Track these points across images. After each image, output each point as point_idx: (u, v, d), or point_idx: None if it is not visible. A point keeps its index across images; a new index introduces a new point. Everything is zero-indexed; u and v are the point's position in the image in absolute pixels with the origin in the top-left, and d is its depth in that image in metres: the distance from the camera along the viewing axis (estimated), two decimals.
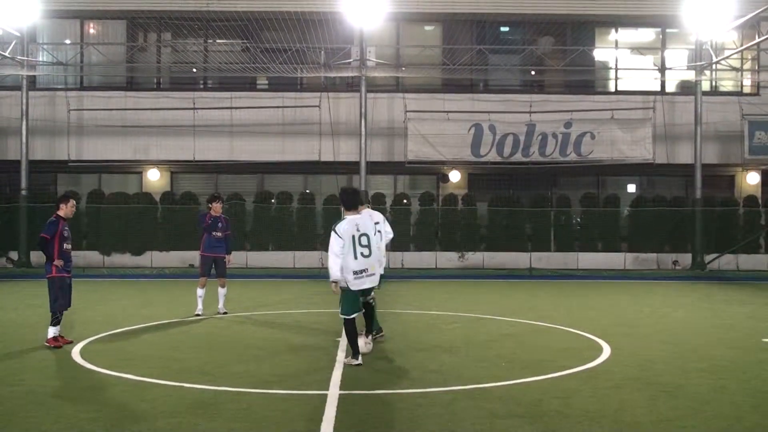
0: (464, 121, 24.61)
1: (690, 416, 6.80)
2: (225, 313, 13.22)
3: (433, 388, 7.76)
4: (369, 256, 8.95)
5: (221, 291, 13.36)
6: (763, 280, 21.17)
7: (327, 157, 24.63)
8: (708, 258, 23.64)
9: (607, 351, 9.82)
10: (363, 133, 23.45)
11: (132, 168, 25.72)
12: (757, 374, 8.55)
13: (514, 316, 13.22)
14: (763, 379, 8.33)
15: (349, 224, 8.90)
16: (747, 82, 26.54)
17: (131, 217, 24.07)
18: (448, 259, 24.15)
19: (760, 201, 25.05)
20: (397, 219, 24.46)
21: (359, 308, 9.12)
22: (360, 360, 8.79)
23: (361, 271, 8.89)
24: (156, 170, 25.57)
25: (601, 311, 14.47)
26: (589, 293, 17.97)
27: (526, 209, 24.48)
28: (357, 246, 8.84)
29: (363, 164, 23.41)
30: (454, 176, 25.70)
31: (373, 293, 9.71)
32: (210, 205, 13.40)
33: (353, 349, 8.89)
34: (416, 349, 9.99)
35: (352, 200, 9.20)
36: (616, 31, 26.54)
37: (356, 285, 8.90)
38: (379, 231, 9.78)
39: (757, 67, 25.75)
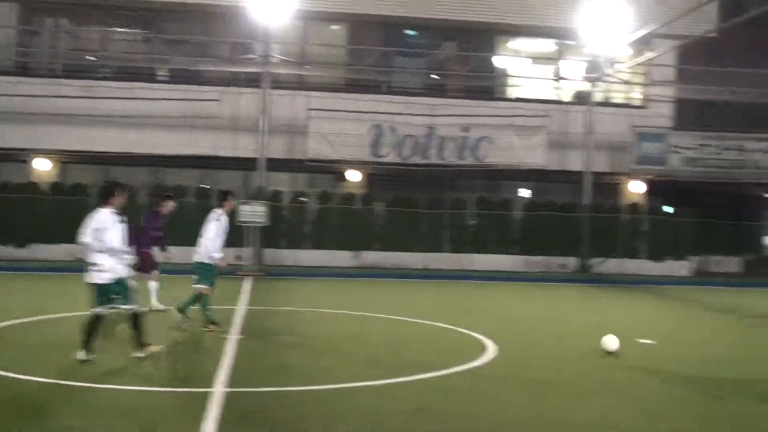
0: (366, 122, 24.79)
1: (568, 412, 7.13)
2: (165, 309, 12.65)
3: (321, 385, 7.85)
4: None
5: (154, 285, 13.07)
6: (643, 284, 22.18)
7: (226, 152, 24.36)
8: (593, 262, 24.54)
9: (492, 350, 10.14)
10: (263, 129, 23.34)
11: (20, 156, 24.70)
12: (627, 373, 9.01)
13: (406, 315, 13.45)
14: (633, 376, 8.79)
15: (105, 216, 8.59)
16: (637, 95, 27.76)
17: (16, 208, 23.12)
18: (344, 257, 24.26)
19: (643, 209, 26.27)
20: (294, 217, 24.49)
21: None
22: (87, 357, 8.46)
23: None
24: (45, 159, 24.67)
25: (490, 311, 14.91)
26: (480, 294, 18.45)
27: (423, 210, 24.85)
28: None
29: (262, 161, 23.30)
30: (354, 176, 25.86)
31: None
32: (164, 204, 13.04)
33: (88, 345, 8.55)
34: (306, 347, 10.07)
35: (105, 194, 8.77)
36: (516, 40, 27.29)
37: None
38: None
39: (646, 82, 26.93)
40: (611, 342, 10.16)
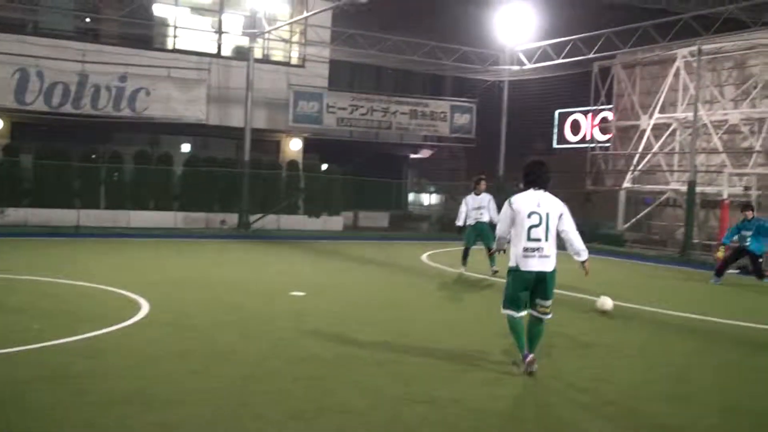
0: (9, 65, 22.60)
1: (220, 363, 7.25)
2: None
3: None
4: None
5: None
6: (301, 239, 23.19)
7: None
8: (253, 218, 24.97)
9: (146, 308, 9.95)
10: None
11: None
12: (280, 324, 9.41)
13: (55, 276, 12.63)
14: (283, 328, 9.20)
15: None
16: (295, 54, 28.60)
17: None
18: None
19: (300, 166, 27.33)
20: None
21: None
22: None
23: None
24: None
25: (147, 270, 14.58)
26: (137, 252, 17.93)
27: (76, 164, 23.36)
28: None
29: None
30: None
31: None
32: None
33: None
34: None
35: None
36: None
37: None
38: None
39: (303, 41, 27.82)
40: (605, 303, 10.95)
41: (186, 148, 27.84)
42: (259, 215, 24.84)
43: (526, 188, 7.42)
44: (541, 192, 7.34)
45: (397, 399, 6.42)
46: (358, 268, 16.86)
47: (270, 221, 25.11)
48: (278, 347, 8.15)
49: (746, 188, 20.91)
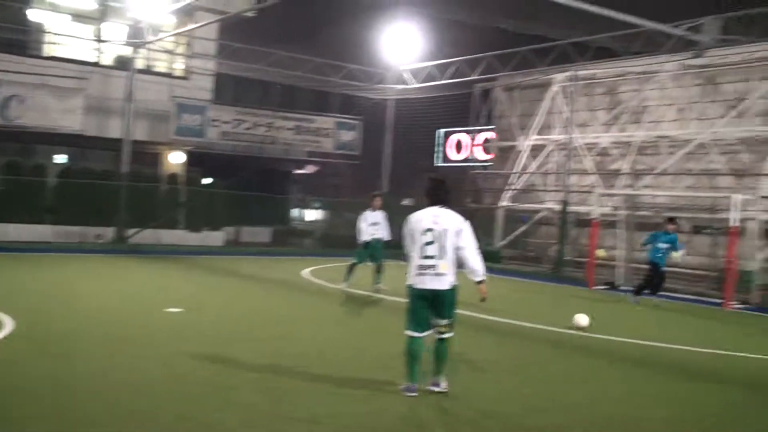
0: None
1: (88, 383, 7.00)
2: None
3: None
4: None
5: None
6: (180, 254, 22.67)
7: None
8: (130, 232, 24.19)
9: (10, 326, 9.49)
10: None
11: None
12: (155, 341, 9.18)
13: None
14: (159, 345, 8.97)
15: None
16: (179, 65, 28.06)
17: None
18: None
19: (182, 179, 26.76)
20: None
21: None
22: None
23: None
24: None
25: (13, 285, 13.91)
26: (3, 267, 17.06)
27: None
28: None
29: None
30: None
31: None
32: None
33: None
34: None
35: None
36: None
37: None
38: None
39: (188, 53, 27.35)
40: (582, 319, 11.87)
41: (62, 159, 26.75)
42: (136, 229, 24.11)
43: (428, 206, 7.35)
44: (441, 209, 7.27)
45: (274, 416, 6.38)
46: (238, 284, 16.65)
47: (148, 236, 24.36)
48: (152, 365, 7.95)
49: (615, 208, 21.94)
